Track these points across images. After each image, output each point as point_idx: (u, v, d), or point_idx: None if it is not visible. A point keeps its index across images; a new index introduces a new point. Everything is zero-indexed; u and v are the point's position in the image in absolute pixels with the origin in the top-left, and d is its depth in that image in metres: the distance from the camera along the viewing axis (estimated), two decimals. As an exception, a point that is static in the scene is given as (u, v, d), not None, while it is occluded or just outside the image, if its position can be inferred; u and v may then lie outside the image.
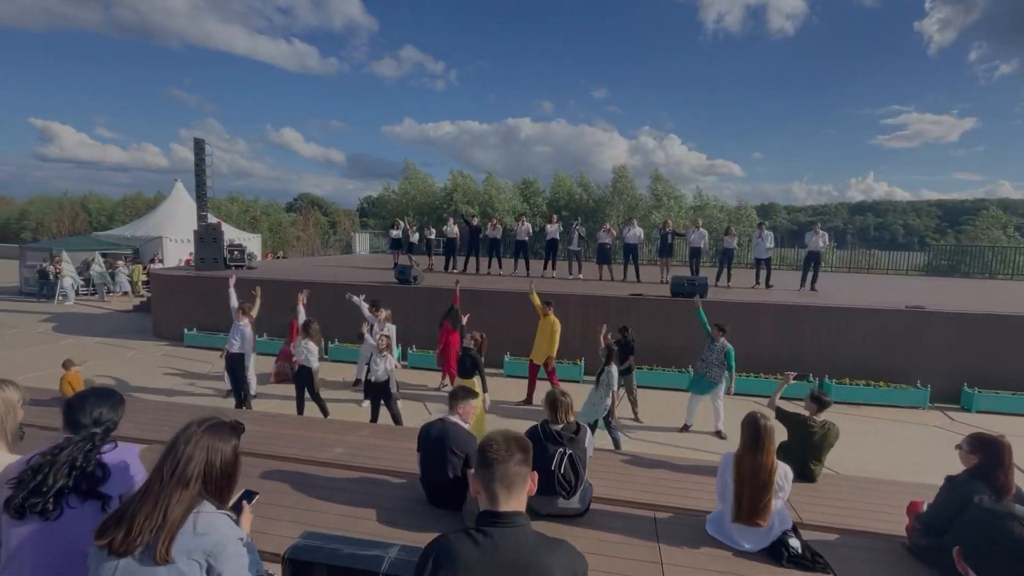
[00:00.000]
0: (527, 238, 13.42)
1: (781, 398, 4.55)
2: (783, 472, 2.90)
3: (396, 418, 6.24)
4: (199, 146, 13.61)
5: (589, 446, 3.22)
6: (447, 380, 8.16)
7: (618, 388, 6.51)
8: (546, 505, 3.03)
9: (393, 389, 6.24)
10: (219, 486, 1.42)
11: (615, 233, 13.66)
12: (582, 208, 26.19)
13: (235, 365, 6.91)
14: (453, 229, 14.49)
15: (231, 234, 17.54)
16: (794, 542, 2.80)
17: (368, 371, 6.47)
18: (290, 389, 7.37)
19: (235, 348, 6.86)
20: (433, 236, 15.11)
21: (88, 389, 1.90)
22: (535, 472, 1.39)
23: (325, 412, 6.54)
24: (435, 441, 3.14)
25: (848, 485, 4.07)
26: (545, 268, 13.31)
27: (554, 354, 7.35)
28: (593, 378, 5.91)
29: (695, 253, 12.18)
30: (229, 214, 30.65)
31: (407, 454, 4.22)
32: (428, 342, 9.39)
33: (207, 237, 13.09)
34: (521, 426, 3.14)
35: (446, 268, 14.59)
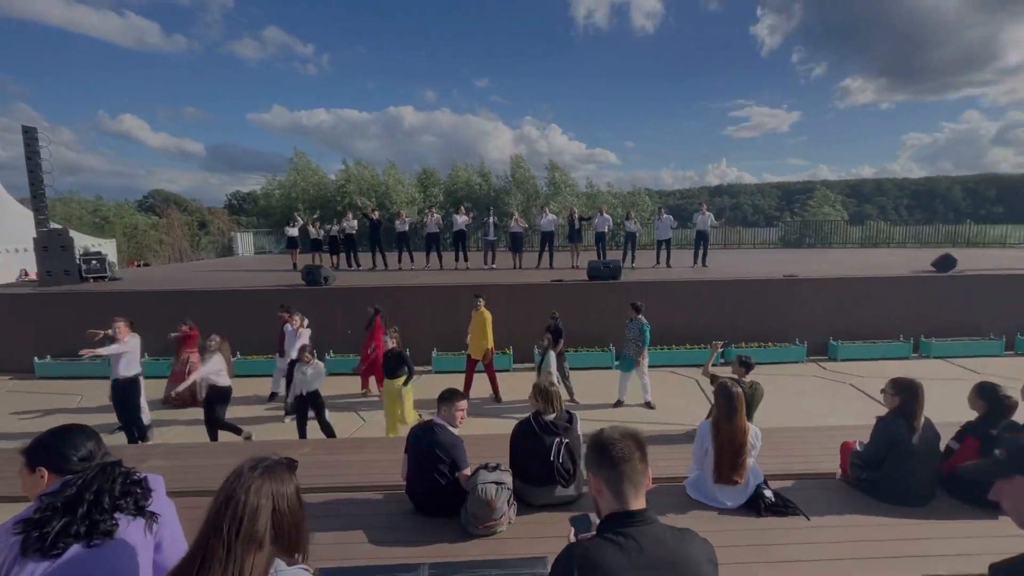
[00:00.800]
0: (437, 230, 13.16)
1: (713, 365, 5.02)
2: (754, 432, 3.21)
3: (328, 430, 5.80)
4: (30, 135, 11.24)
5: (582, 434, 3.27)
6: (372, 387, 7.77)
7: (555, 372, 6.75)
8: (545, 495, 3.04)
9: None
10: (290, 538, 1.21)
11: (525, 222, 13.93)
12: (483, 198, 26.25)
13: (125, 393, 5.88)
14: (352, 224, 13.71)
15: (81, 241, 14.79)
16: (768, 493, 3.13)
17: (291, 384, 5.94)
18: (190, 414, 6.50)
19: (123, 372, 5.84)
20: (335, 231, 14.14)
21: (53, 430, 1.55)
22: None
23: (238, 432, 5.86)
24: (424, 446, 2.97)
25: (778, 436, 4.61)
26: (457, 260, 13.18)
27: (492, 347, 7.33)
28: (524, 366, 6.05)
29: (600, 238, 12.90)
30: (67, 216, 25.72)
31: (370, 466, 3.96)
32: (347, 347, 8.83)
33: (53, 245, 10.92)
34: (475, 423, 3.12)
35: (349, 265, 13.79)
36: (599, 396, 7.57)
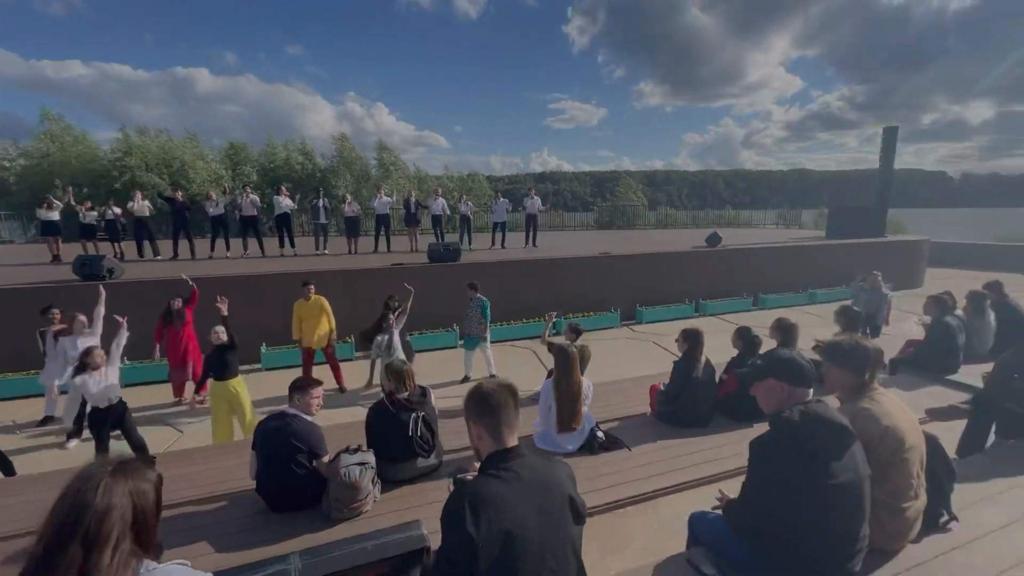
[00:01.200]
0: (255, 213, 11.75)
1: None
2: (587, 385, 3.70)
3: (140, 446, 4.90)
4: None
5: (436, 404, 3.37)
6: (194, 394, 6.68)
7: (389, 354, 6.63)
8: (407, 470, 3.09)
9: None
10: (150, 535, 1.09)
11: (358, 205, 13.23)
12: (307, 179, 24.09)
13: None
14: (143, 206, 11.45)
15: None
16: (600, 434, 3.66)
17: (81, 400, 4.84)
18: None
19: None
20: (112, 215, 11.56)
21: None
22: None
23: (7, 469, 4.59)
24: (279, 439, 2.76)
25: (605, 388, 5.35)
26: (282, 246, 11.99)
27: (335, 334, 6.92)
28: (367, 355, 5.95)
29: (437, 220, 13.03)
30: None
31: (201, 477, 3.50)
32: (142, 353, 7.42)
33: None
34: (324, 416, 3.06)
35: (141, 255, 11.56)
36: (447, 374, 7.76)
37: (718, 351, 4.91)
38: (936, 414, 3.96)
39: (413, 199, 12.86)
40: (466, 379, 7.56)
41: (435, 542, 1.99)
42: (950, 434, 3.68)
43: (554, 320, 5.91)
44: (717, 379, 4.26)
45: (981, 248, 19.65)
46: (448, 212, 13.83)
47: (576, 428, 3.57)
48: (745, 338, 4.19)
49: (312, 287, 6.80)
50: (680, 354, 4.16)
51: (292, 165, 24.67)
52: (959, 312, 5.91)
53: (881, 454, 1.99)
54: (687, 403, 3.94)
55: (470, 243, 13.13)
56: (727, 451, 3.57)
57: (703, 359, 4.11)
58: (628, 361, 8.35)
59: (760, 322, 9.87)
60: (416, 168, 28.16)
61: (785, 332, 4.10)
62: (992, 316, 5.97)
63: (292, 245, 12.02)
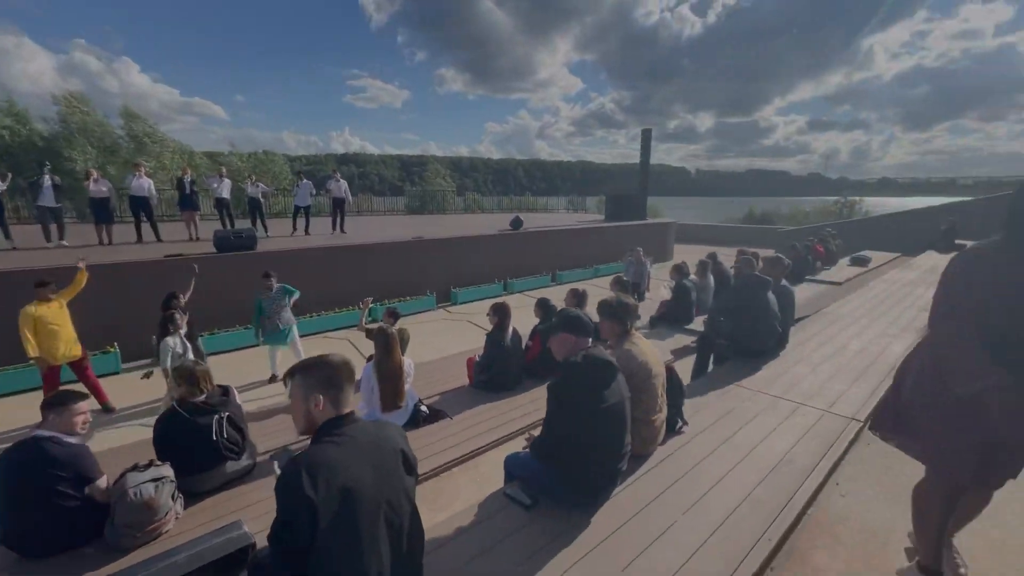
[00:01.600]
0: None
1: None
2: (409, 363, 3.83)
3: None
4: None
5: (241, 402, 3.10)
6: None
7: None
8: (217, 477, 2.81)
9: None
10: None
11: (108, 183, 10.63)
12: (19, 150, 18.34)
13: None
14: None
15: None
16: (424, 408, 3.84)
17: None
18: None
19: None
20: None
21: None
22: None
23: None
24: (25, 474, 2.22)
25: (427, 367, 5.56)
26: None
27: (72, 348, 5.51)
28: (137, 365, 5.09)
29: (223, 204, 11.37)
30: None
31: None
32: None
33: None
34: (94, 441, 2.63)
35: None
36: (249, 375, 7.00)
37: (525, 322, 5.52)
38: (678, 354, 5.18)
39: (189, 178, 10.94)
40: (273, 378, 6.94)
41: (261, 540, 1.91)
42: (688, 364, 4.89)
43: (370, 306, 5.84)
44: (524, 346, 4.82)
45: (710, 228, 25.62)
46: (235, 194, 12.15)
47: (401, 406, 3.68)
48: (544, 307, 4.81)
49: (51, 286, 5.37)
50: (491, 327, 4.58)
51: (-5, 131, 18.46)
52: (692, 277, 7.71)
53: (637, 381, 2.60)
54: (499, 370, 4.39)
55: (265, 230, 11.83)
56: (534, 406, 4.10)
57: (511, 329, 4.61)
58: (446, 340, 8.70)
59: (558, 294, 11.29)
60: (178, 143, 23.32)
61: (579, 297, 4.85)
62: (711, 278, 7.92)
63: (7, 236, 9.18)
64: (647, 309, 8.37)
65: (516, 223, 14.51)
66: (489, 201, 29.36)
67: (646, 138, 19.35)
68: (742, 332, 4.46)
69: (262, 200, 12.23)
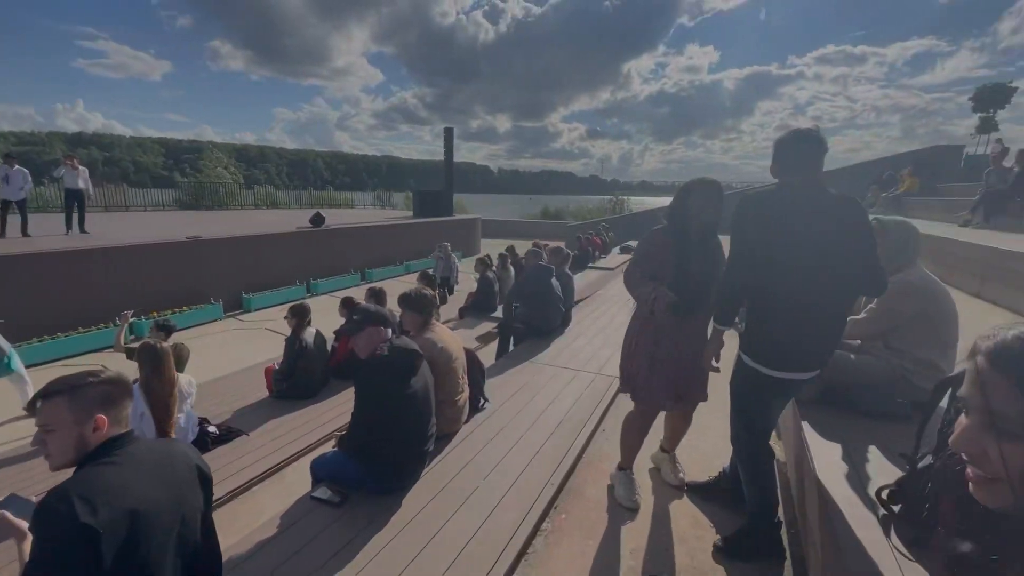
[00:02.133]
0: None
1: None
2: (188, 381, 3.36)
3: None
4: None
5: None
6: None
7: None
8: None
9: None
10: None
11: None
12: None
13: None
14: None
15: None
16: (212, 429, 3.43)
17: None
18: None
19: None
20: None
21: None
22: None
23: None
24: None
25: (215, 385, 4.90)
26: None
27: None
28: None
29: None
30: None
31: None
32: None
33: None
34: None
35: None
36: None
37: (332, 324, 5.30)
38: (485, 339, 5.61)
39: None
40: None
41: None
42: (494, 348, 5.34)
43: (130, 321, 4.89)
44: (330, 347, 4.65)
45: (512, 223, 27.76)
46: None
47: (172, 433, 3.22)
48: (348, 306, 4.71)
49: None
50: (290, 331, 4.30)
51: None
52: (495, 269, 8.36)
53: (439, 366, 2.81)
54: (302, 375, 4.16)
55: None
56: (341, 408, 4.02)
57: (313, 331, 4.40)
58: (240, 352, 7.75)
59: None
60: None
61: (377, 295, 4.85)
62: (512, 270, 8.70)
63: None
64: (457, 301, 8.80)
65: (317, 220, 13.60)
66: (286, 196, 26.63)
67: (448, 137, 19.99)
68: (533, 315, 5.07)
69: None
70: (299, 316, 4.30)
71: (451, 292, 10.60)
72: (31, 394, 5.48)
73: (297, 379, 4.15)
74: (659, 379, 2.40)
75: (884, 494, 1.60)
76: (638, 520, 2.51)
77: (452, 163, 20.38)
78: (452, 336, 3.02)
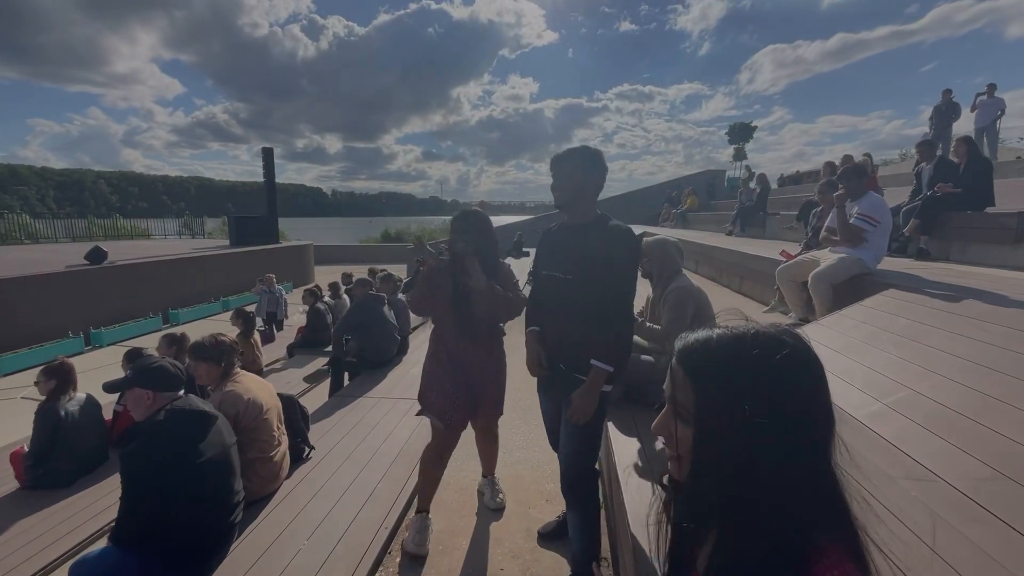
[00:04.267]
0: None
1: None
2: None
3: None
4: None
5: None
6: None
7: None
8: None
9: None
10: None
11: None
12: None
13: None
14: None
15: None
16: None
17: None
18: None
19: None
20: None
21: None
22: None
23: None
24: None
25: None
26: None
27: None
28: None
29: None
30: None
31: None
32: None
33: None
34: None
35: None
36: None
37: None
38: (317, 378, 5.17)
39: None
40: None
41: None
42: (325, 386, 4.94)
43: None
44: (111, 413, 3.81)
45: (349, 248, 26.36)
46: None
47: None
48: (132, 359, 3.93)
49: None
50: (44, 398, 3.42)
51: None
52: (327, 299, 7.82)
53: (248, 420, 2.49)
54: (63, 454, 3.32)
55: None
56: (129, 484, 3.31)
57: (83, 396, 3.56)
58: (-22, 434, 5.91)
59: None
60: None
61: (178, 343, 4.16)
62: (346, 299, 8.23)
63: None
64: (286, 338, 7.99)
65: (96, 255, 11.23)
66: (50, 226, 21.31)
67: (268, 157, 18.29)
68: (366, 347, 4.85)
69: None
70: (58, 377, 3.43)
71: (280, 328, 9.63)
72: None
73: (58, 461, 3.28)
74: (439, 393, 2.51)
75: (665, 479, 1.86)
76: (472, 548, 2.54)
77: (274, 185, 18.67)
78: (261, 383, 2.70)
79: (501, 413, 2.72)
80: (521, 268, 13.92)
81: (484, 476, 2.99)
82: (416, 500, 2.65)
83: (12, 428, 6.06)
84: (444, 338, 2.51)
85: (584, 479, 2.05)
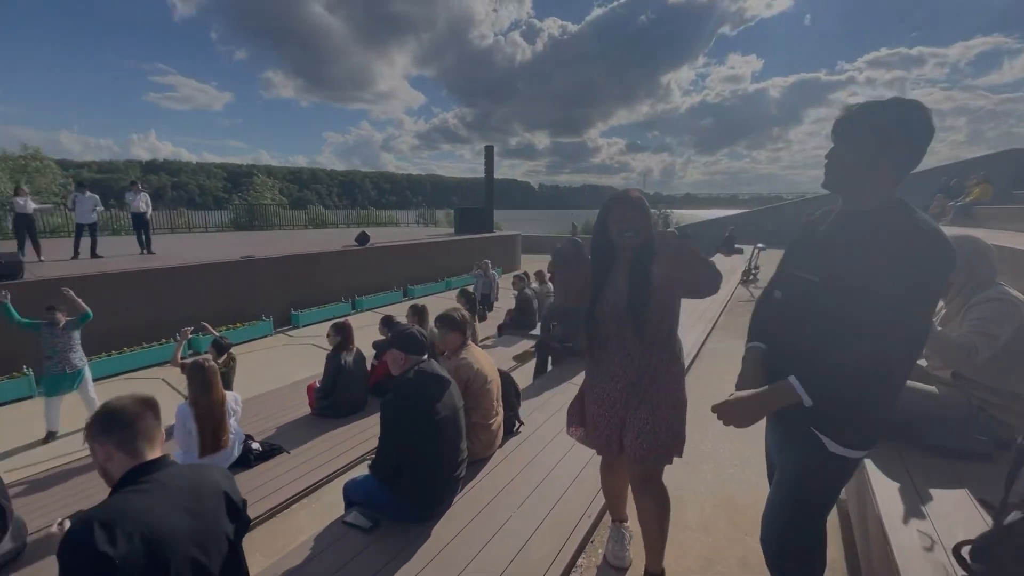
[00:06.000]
0: None
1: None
2: (234, 398, 3.47)
3: None
4: None
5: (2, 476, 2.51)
6: None
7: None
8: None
9: None
10: None
11: None
12: None
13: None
14: None
15: None
16: (255, 445, 3.51)
17: None
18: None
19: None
20: None
21: None
22: None
23: None
24: None
25: (260, 400, 5.06)
26: None
27: None
28: None
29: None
30: None
31: None
32: None
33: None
34: None
35: None
36: (19, 437, 5.60)
37: (373, 341, 5.40)
38: (522, 359, 5.54)
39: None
40: (51, 435, 5.62)
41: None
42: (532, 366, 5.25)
43: (190, 338, 5.13)
44: (369, 366, 4.71)
45: (552, 239, 27.73)
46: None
47: (225, 447, 3.32)
48: (388, 324, 4.77)
49: None
50: (331, 348, 4.39)
51: None
52: (534, 285, 8.30)
53: (475, 388, 2.76)
54: (342, 393, 4.22)
55: (38, 253, 9.60)
56: (378, 429, 4.03)
57: (354, 349, 4.47)
58: (288, 367, 8.01)
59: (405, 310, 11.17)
60: None
61: (419, 313, 4.90)
62: (551, 286, 8.60)
63: None
64: (496, 318, 8.78)
65: (362, 238, 14.01)
66: (334, 215, 27.74)
67: (489, 154, 20.26)
68: (570, 335, 4.97)
69: (35, 215, 9.89)
70: (342, 334, 4.39)
71: (490, 309, 10.61)
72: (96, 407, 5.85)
73: (337, 397, 4.21)
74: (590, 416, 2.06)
75: (965, 551, 1.40)
76: (676, 566, 2.35)
77: (492, 180, 20.61)
78: (487, 358, 2.97)
79: (665, 458, 1.89)
80: (731, 267, 12.62)
81: (615, 522, 2.35)
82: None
83: (305, 366, 8.07)
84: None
85: (793, 558, 1.51)
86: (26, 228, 9.55)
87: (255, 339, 9.60)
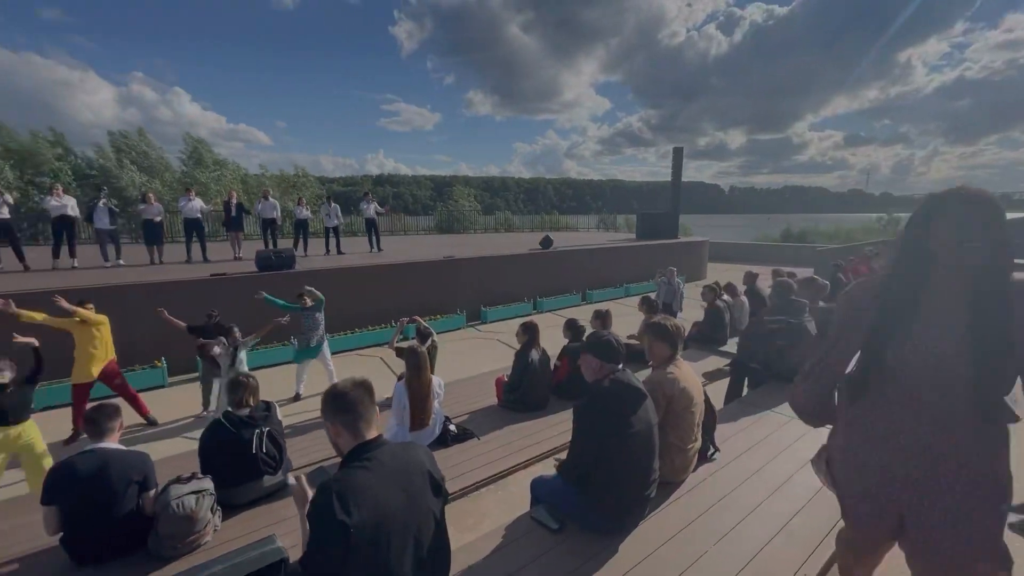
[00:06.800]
0: (8, 216, 9.34)
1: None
2: (438, 382, 3.89)
3: None
4: None
5: (281, 419, 3.22)
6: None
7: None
8: (253, 490, 2.91)
9: None
10: None
11: (161, 207, 11.33)
12: (82, 173, 19.74)
13: None
14: None
15: None
16: (452, 428, 3.88)
17: None
18: None
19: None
20: None
21: None
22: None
23: None
24: (98, 482, 2.37)
25: (455, 385, 5.60)
26: (56, 256, 9.74)
27: (101, 365, 5.65)
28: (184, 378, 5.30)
29: (269, 225, 11.93)
30: None
31: None
32: None
33: None
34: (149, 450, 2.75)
35: None
36: (277, 392, 7.20)
37: (553, 342, 5.53)
38: (710, 376, 5.06)
39: (235, 201, 11.55)
40: (297, 397, 7.08)
41: (293, 555, 1.97)
42: (721, 387, 4.77)
43: (405, 326, 5.95)
44: (552, 366, 4.82)
45: (743, 246, 25.03)
46: (281, 215, 12.64)
47: (428, 425, 3.74)
48: (572, 328, 4.82)
49: (91, 307, 5.62)
50: (520, 346, 4.61)
51: (35, 156, 19.91)
52: (726, 297, 7.55)
53: (677, 407, 2.58)
54: (527, 389, 4.40)
55: (305, 250, 12.30)
56: (561, 428, 4.08)
57: (540, 349, 4.62)
58: (476, 359, 8.76)
59: (587, 314, 11.21)
60: (236, 165, 25.26)
61: (602, 318, 4.84)
62: (746, 300, 7.73)
63: (72, 255, 9.84)
64: (679, 330, 8.23)
65: (546, 242, 14.57)
66: (520, 220, 29.62)
67: (677, 156, 19.21)
68: (775, 357, 4.34)
69: (309, 220, 12.75)
70: (529, 334, 4.58)
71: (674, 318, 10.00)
72: (334, 375, 7.20)
73: (523, 393, 4.41)
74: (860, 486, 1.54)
75: None
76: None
77: (680, 183, 19.49)
78: (695, 377, 2.75)
79: (987, 567, 1.34)
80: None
81: None
82: None
83: (490, 359, 8.72)
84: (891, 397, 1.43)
85: None
86: (302, 230, 12.34)
87: (450, 330, 10.74)
